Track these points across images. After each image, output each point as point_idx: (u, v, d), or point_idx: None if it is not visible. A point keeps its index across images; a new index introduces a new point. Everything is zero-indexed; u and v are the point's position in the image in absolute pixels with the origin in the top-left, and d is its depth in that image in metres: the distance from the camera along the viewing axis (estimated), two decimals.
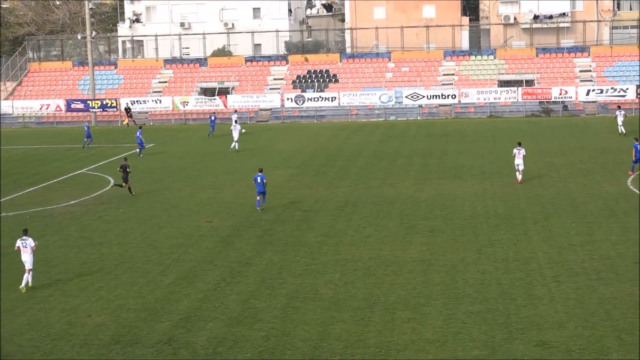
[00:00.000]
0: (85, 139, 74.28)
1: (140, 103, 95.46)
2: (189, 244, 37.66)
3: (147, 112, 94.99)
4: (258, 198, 44.68)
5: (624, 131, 69.76)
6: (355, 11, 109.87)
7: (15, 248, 31.77)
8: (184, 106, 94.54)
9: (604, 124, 78.60)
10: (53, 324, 27.41)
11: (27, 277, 31.38)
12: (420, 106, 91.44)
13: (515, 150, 50.28)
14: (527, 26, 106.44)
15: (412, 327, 25.96)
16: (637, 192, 45.61)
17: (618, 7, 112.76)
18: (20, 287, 31.28)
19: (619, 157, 57.58)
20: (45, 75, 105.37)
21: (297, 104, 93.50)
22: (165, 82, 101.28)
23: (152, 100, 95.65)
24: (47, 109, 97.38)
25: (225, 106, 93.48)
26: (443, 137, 73.05)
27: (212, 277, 32.31)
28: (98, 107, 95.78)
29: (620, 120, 70.94)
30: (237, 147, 68.03)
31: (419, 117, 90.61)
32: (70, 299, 30.06)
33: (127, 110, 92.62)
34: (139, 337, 25.96)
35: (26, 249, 31.35)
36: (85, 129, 75.90)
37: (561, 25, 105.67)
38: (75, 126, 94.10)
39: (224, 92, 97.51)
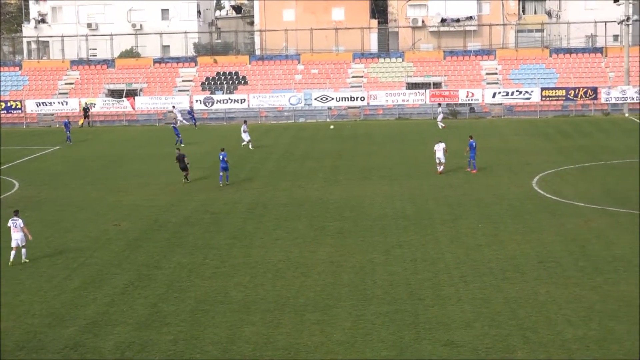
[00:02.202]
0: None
1: (46, 105, 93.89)
2: (96, 248, 37.16)
3: (52, 114, 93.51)
4: (221, 174, 51.42)
5: (443, 126, 78.79)
6: (264, 13, 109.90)
7: (8, 226, 35.23)
8: (91, 108, 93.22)
9: (510, 126, 79.98)
10: None
11: (23, 252, 34.99)
12: (329, 108, 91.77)
13: (435, 146, 53.36)
14: (435, 29, 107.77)
15: (322, 328, 26.02)
16: (543, 192, 46.51)
17: (523, 11, 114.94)
18: (9, 264, 34.59)
19: (524, 158, 58.67)
20: None
21: (206, 105, 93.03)
22: (72, 83, 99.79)
23: (58, 102, 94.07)
24: None
25: (134, 108, 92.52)
26: (352, 139, 73.41)
27: (120, 280, 31.94)
28: (2, 109, 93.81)
29: (440, 117, 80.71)
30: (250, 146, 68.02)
31: (328, 119, 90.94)
32: None
33: (86, 110, 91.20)
34: (45, 343, 25.52)
35: (16, 228, 34.77)
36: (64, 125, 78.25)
37: (468, 28, 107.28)
38: None
39: (131, 93, 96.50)
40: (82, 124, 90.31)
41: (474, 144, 54.06)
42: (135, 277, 32.40)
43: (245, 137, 68.52)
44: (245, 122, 71.42)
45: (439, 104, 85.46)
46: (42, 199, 49.36)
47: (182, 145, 68.01)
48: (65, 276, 32.75)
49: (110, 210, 45.58)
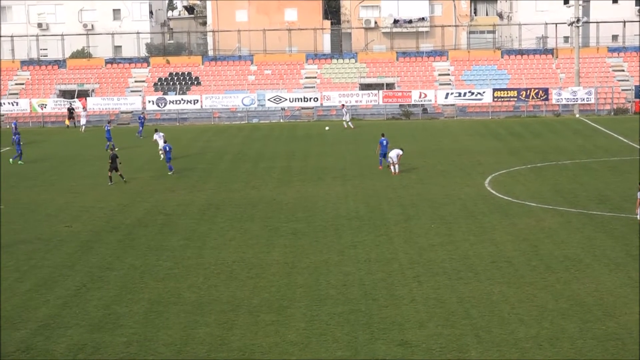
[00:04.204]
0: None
1: None
2: (47, 250, 36.76)
3: (3, 115, 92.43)
4: (169, 164, 55.52)
5: (352, 126, 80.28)
6: (217, 14, 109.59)
7: None
8: (42, 109, 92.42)
9: (462, 126, 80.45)
10: None
11: None
12: (282, 109, 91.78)
13: (391, 152, 53.68)
14: (388, 30, 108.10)
15: (276, 329, 25.97)
16: (495, 192, 46.81)
17: (475, 13, 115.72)
18: None
19: (476, 158, 59.01)
20: None
21: (159, 106, 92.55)
22: (22, 84, 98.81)
23: (9, 103, 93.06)
24: None
25: (85, 109, 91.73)
26: (305, 140, 73.45)
27: (72, 282, 31.64)
28: None
29: (347, 117, 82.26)
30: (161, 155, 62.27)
31: (281, 120, 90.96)
32: None
33: (71, 110, 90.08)
34: None
35: None
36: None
37: (420, 29, 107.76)
38: None
39: (83, 94, 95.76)
40: (69, 125, 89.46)
41: (384, 141, 55.19)
42: (87, 279, 32.12)
43: (160, 141, 62.25)
44: (156, 130, 66.83)
45: (343, 105, 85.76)
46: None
47: (117, 149, 66.23)
48: (16, 278, 32.35)
49: (62, 211, 45.14)
